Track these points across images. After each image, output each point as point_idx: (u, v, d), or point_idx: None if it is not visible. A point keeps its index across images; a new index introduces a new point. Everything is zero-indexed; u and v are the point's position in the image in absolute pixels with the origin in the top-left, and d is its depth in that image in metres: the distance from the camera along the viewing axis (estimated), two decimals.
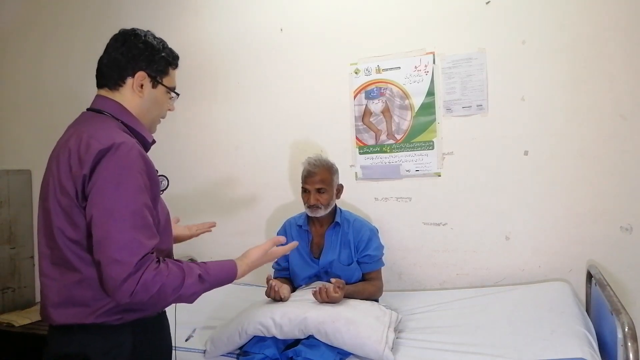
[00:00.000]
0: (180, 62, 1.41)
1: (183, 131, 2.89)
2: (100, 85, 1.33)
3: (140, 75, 1.30)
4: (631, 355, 1.42)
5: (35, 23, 3.29)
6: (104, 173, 1.14)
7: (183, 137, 2.91)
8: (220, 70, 2.86)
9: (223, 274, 1.28)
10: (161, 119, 1.42)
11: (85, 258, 1.18)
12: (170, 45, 1.39)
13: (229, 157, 2.87)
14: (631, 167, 2.17)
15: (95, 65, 1.33)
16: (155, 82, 1.33)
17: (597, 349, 1.63)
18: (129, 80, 1.30)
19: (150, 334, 1.29)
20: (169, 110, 1.41)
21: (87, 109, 1.32)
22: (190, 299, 1.20)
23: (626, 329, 1.45)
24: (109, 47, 1.32)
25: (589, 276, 2.14)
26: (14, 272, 3.13)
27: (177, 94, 1.41)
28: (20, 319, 2.84)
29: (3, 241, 3.09)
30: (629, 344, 1.43)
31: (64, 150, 1.20)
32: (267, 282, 1.95)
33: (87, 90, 3.28)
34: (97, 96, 1.33)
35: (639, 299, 2.13)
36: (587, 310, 2.11)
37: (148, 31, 1.35)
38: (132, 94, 1.31)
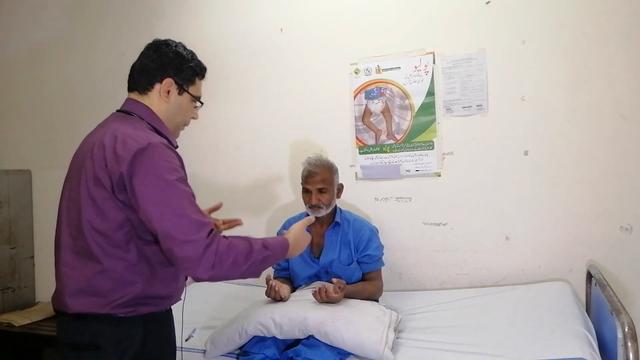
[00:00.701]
0: None
1: (183, 131, 2.88)
2: (131, 89, 1.41)
3: (168, 82, 1.38)
4: (631, 355, 1.42)
5: (35, 24, 3.28)
6: (150, 170, 1.19)
7: (183, 137, 2.88)
8: (220, 70, 2.85)
9: (278, 244, 1.36)
10: (184, 127, 1.50)
11: (109, 250, 1.22)
12: None
13: (229, 157, 2.87)
14: (631, 167, 2.17)
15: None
16: (181, 90, 1.41)
17: (597, 349, 1.63)
18: (157, 86, 1.38)
19: (160, 328, 1.34)
20: (193, 118, 1.49)
21: (117, 110, 1.39)
22: (259, 267, 1.26)
23: (626, 329, 1.44)
24: (142, 54, 1.41)
25: (589, 276, 2.14)
26: (14, 272, 3.13)
27: (202, 103, 1.48)
28: (20, 319, 2.84)
29: (3, 241, 3.08)
30: (629, 344, 1.43)
31: (98, 146, 1.25)
32: (267, 282, 1.95)
33: (87, 91, 3.28)
34: (128, 99, 1.40)
35: (639, 299, 2.13)
36: (587, 310, 2.11)
37: (180, 42, 1.43)
38: (159, 99, 1.38)
